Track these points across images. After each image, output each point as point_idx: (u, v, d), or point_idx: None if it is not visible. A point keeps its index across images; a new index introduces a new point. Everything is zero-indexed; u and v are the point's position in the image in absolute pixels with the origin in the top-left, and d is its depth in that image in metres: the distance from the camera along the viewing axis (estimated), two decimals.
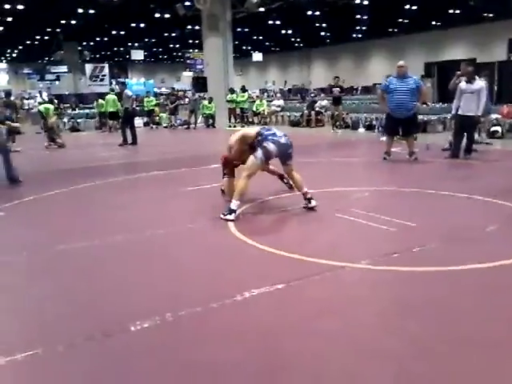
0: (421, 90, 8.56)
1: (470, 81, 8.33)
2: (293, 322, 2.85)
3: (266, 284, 3.29)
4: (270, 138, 5.03)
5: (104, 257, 4.12)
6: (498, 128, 11.64)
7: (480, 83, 8.00)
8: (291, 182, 5.65)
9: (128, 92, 13.35)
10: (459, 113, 8.40)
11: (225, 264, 3.85)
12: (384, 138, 11.57)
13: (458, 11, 29.02)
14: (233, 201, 4.92)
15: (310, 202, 5.20)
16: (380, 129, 14.45)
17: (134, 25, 31.79)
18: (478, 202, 5.65)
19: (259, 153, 5.01)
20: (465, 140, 8.58)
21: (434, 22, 33.24)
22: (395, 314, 2.93)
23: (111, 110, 16.41)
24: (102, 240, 4.48)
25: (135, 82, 36.06)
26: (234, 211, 4.88)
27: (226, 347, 2.59)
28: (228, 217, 4.84)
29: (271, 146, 4.99)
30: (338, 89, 14.69)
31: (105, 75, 31.60)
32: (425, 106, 10.30)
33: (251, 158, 5.06)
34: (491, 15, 30.19)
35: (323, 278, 3.44)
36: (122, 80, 28.66)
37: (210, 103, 18.61)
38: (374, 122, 15.09)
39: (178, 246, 4.33)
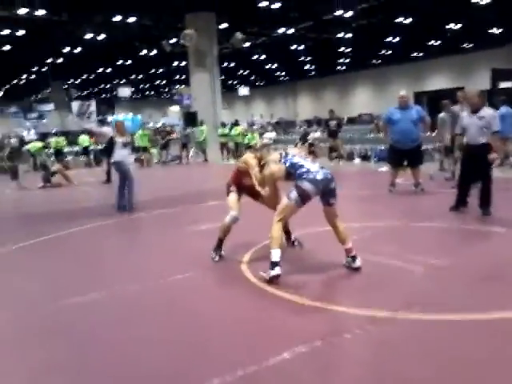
0: (424, 120, 8.42)
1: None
2: None
3: (303, 342, 2.94)
4: (304, 176, 4.16)
5: (117, 312, 3.73)
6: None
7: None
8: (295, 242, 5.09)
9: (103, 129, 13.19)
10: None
11: (252, 320, 3.48)
12: (383, 169, 11.47)
13: (438, 42, 29.76)
14: (271, 251, 4.06)
15: (353, 262, 4.34)
16: (376, 159, 14.37)
17: (120, 62, 31.94)
18: (503, 235, 5.41)
19: (293, 194, 4.13)
20: None
21: (415, 53, 34.01)
22: (455, 373, 2.60)
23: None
24: (111, 291, 4.10)
25: (122, 118, 35.88)
26: (278, 263, 4.02)
27: None
28: (272, 272, 4.00)
29: (307, 185, 4.12)
30: (334, 122, 14.63)
31: (91, 112, 31.42)
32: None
33: (284, 199, 4.25)
34: (471, 45, 31.05)
35: (365, 332, 3.11)
36: (100, 118, 28.51)
37: (201, 125, 18.76)
38: (369, 153, 15.02)
39: (195, 300, 3.95)
